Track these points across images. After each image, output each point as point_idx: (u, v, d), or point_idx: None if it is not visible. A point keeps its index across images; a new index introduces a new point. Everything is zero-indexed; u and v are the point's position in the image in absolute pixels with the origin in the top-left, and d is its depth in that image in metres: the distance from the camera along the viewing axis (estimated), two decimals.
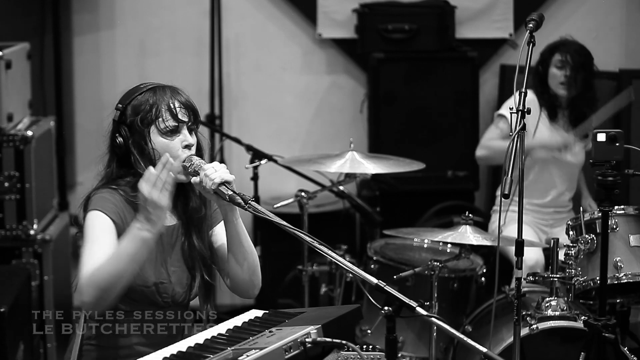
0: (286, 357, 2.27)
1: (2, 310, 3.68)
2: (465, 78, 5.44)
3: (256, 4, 5.71)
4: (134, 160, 2.74)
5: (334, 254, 2.50)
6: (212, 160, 2.79)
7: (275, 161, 4.33)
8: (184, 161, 2.72)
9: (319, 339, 2.33)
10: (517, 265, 3.05)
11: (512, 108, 3.03)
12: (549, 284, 3.67)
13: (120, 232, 2.67)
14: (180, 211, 2.83)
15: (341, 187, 4.28)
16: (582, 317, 3.52)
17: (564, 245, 3.64)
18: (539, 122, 4.42)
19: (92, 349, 2.80)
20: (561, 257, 3.62)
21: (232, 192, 2.64)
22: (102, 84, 5.69)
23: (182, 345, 2.40)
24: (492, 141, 4.57)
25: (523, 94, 3.05)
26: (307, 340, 2.32)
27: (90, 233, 2.67)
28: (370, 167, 4.02)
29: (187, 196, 2.83)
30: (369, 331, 4.07)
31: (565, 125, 4.53)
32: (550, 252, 3.61)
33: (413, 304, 2.33)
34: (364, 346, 2.52)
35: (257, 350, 2.24)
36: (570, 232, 3.70)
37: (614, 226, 3.61)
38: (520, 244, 3.04)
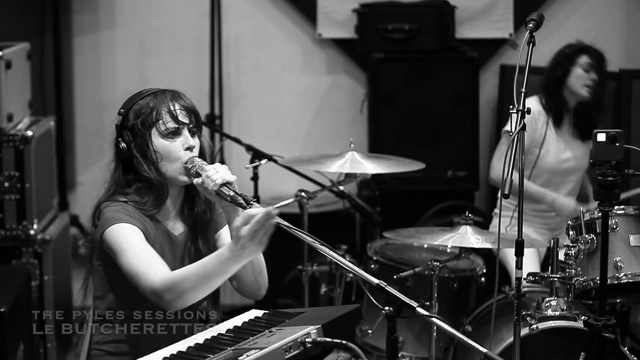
0: (286, 357, 2.27)
1: (2, 310, 3.68)
2: (465, 78, 5.44)
3: (256, 4, 5.71)
4: (136, 163, 2.74)
5: (335, 255, 2.51)
6: (212, 162, 2.79)
7: (275, 161, 4.33)
8: (185, 162, 2.73)
9: (319, 339, 2.33)
10: (517, 265, 3.05)
11: (512, 108, 3.03)
12: (549, 284, 3.67)
13: (145, 238, 2.69)
14: (186, 216, 2.84)
15: (341, 187, 4.28)
16: (582, 317, 3.52)
17: (564, 245, 3.64)
18: (546, 133, 4.43)
19: (101, 354, 2.81)
20: (561, 257, 3.62)
21: (233, 193, 2.64)
22: (102, 84, 5.69)
23: (182, 345, 2.40)
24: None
25: (523, 94, 3.05)
26: (307, 340, 2.32)
27: (127, 242, 2.66)
28: (370, 167, 4.02)
29: (192, 201, 2.84)
30: (369, 331, 4.07)
31: (569, 130, 4.53)
32: (550, 252, 3.61)
33: (413, 304, 2.33)
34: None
35: (257, 350, 2.24)
36: (570, 232, 3.70)
37: (614, 226, 3.61)
38: (520, 244, 3.04)
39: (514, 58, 5.69)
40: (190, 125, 2.78)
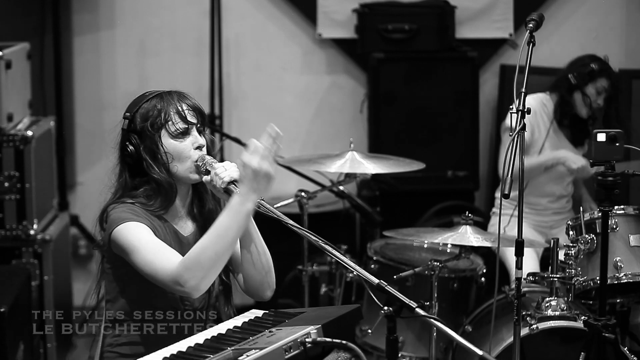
0: (286, 357, 2.27)
1: (2, 310, 3.68)
2: (465, 78, 5.44)
3: (256, 4, 5.71)
4: (146, 166, 2.75)
5: (339, 254, 2.52)
6: (213, 156, 2.81)
7: (275, 161, 4.33)
8: (196, 160, 2.75)
9: (319, 339, 2.33)
10: (517, 265, 3.05)
11: (512, 108, 3.04)
12: (549, 284, 3.67)
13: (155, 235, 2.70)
14: (196, 214, 2.85)
15: (341, 187, 4.28)
16: (582, 317, 3.52)
17: (564, 245, 3.64)
18: (550, 129, 4.44)
19: (113, 356, 2.81)
20: (561, 257, 3.62)
21: None
22: (102, 84, 5.69)
23: (182, 345, 2.40)
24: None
25: (523, 94, 3.05)
26: (307, 340, 2.32)
27: (139, 239, 2.66)
28: (370, 167, 4.02)
29: (201, 199, 2.86)
30: (369, 331, 4.07)
31: (566, 133, 4.54)
32: (550, 252, 3.61)
33: (413, 304, 2.33)
34: None
35: (257, 350, 2.24)
36: (570, 232, 3.70)
37: (614, 226, 3.61)
38: (520, 244, 3.04)
39: (514, 58, 5.68)
40: (198, 125, 2.80)
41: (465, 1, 5.62)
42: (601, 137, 3.26)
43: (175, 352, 2.36)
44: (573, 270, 3.58)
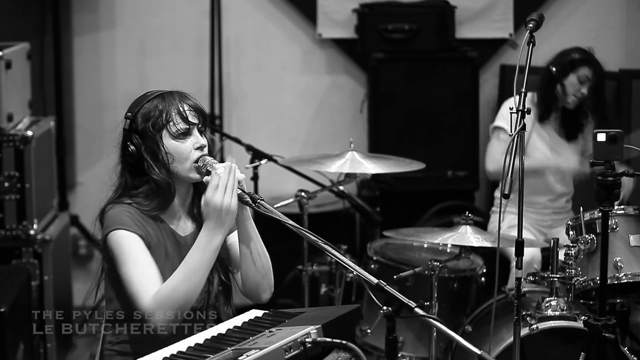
0: (286, 357, 2.27)
1: (2, 310, 3.68)
2: (465, 78, 5.44)
3: (256, 4, 5.71)
4: (147, 166, 2.76)
5: (338, 254, 2.52)
6: (214, 156, 2.82)
7: (275, 161, 4.33)
8: (196, 161, 2.76)
9: (319, 339, 2.33)
10: (517, 265, 3.05)
11: (512, 108, 3.04)
12: (549, 284, 3.67)
13: (146, 244, 2.72)
14: (196, 214, 2.85)
15: (341, 187, 4.28)
16: (582, 317, 3.52)
17: (564, 245, 3.64)
18: (533, 127, 4.43)
19: (112, 354, 2.81)
20: (561, 257, 3.62)
21: (240, 191, 2.67)
22: (102, 84, 5.69)
23: (182, 345, 2.40)
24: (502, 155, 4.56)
25: (523, 94, 3.05)
26: (307, 340, 2.32)
27: (128, 253, 2.69)
28: (370, 167, 4.02)
29: (202, 198, 2.84)
30: (368, 331, 4.07)
31: (556, 128, 4.54)
32: (550, 252, 3.62)
33: (412, 304, 2.33)
34: None
35: (257, 350, 2.23)
36: (570, 232, 3.70)
37: (614, 226, 3.61)
38: (520, 244, 3.04)
39: (514, 58, 5.69)
40: (200, 125, 2.81)
41: (465, 1, 5.62)
42: (601, 137, 3.26)
43: (175, 352, 2.36)
44: (573, 270, 3.59)
